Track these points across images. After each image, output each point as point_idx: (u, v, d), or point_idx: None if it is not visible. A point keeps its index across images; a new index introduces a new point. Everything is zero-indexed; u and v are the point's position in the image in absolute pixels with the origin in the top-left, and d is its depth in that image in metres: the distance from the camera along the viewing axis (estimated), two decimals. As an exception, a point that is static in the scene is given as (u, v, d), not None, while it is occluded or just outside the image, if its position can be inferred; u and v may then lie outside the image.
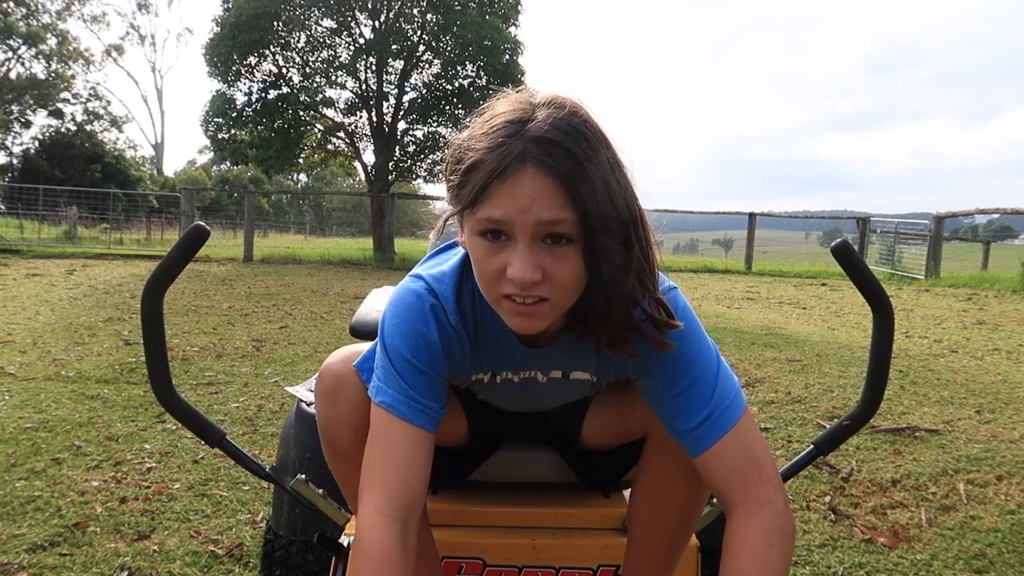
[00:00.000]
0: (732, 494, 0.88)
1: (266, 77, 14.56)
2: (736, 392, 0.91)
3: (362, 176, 17.93)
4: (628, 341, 0.86)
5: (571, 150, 0.75)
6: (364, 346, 1.00)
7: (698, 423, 0.89)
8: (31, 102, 30.00)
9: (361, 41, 14.61)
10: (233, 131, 14.59)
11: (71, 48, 31.53)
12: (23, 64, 29.73)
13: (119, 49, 39.59)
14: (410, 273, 0.97)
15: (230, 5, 13.85)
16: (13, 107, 29.74)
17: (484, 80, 14.22)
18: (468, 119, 0.85)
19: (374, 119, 15.04)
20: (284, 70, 14.76)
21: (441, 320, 0.91)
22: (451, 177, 0.83)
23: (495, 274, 0.80)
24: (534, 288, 0.79)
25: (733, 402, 0.90)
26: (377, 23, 14.56)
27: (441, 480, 1.23)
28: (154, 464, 2.45)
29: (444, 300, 0.92)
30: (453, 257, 0.97)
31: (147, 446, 2.63)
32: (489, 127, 0.79)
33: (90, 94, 32.22)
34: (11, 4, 28.28)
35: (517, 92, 0.83)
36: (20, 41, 28.60)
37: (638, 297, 0.83)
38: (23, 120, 30.41)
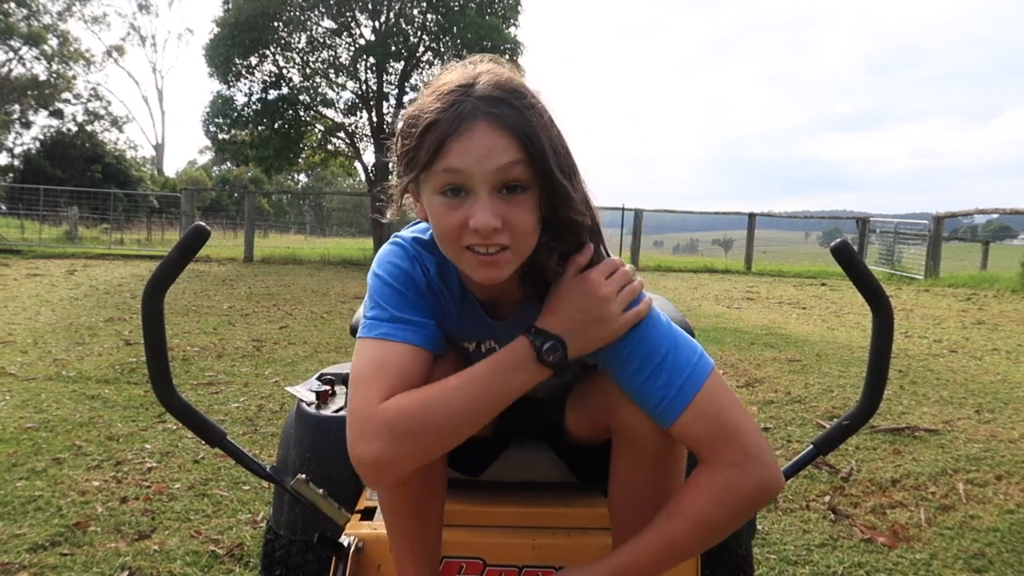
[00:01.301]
0: (702, 460, 0.91)
1: (266, 77, 14.57)
2: (698, 358, 0.92)
3: (362, 176, 17.93)
4: None
5: (515, 104, 0.84)
6: None
7: (661, 397, 0.91)
8: (32, 102, 30.01)
9: (361, 42, 14.61)
10: (233, 131, 14.60)
11: (72, 49, 31.55)
12: (24, 64, 29.77)
13: (120, 50, 39.60)
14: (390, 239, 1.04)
15: (230, 5, 13.85)
16: (14, 107, 29.75)
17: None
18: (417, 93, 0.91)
19: (374, 119, 15.05)
20: (284, 70, 14.77)
21: (424, 270, 0.98)
22: (405, 143, 0.88)
23: (456, 228, 0.86)
24: (495, 236, 0.84)
25: (695, 369, 0.91)
26: (377, 24, 14.56)
27: (464, 470, 1.23)
28: (155, 464, 2.46)
29: (423, 255, 0.99)
30: (426, 230, 1.01)
31: (148, 446, 2.63)
32: (439, 93, 0.86)
33: (91, 94, 32.23)
34: (12, 5, 28.30)
35: (457, 64, 0.91)
36: (21, 42, 28.60)
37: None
38: (24, 120, 30.42)
